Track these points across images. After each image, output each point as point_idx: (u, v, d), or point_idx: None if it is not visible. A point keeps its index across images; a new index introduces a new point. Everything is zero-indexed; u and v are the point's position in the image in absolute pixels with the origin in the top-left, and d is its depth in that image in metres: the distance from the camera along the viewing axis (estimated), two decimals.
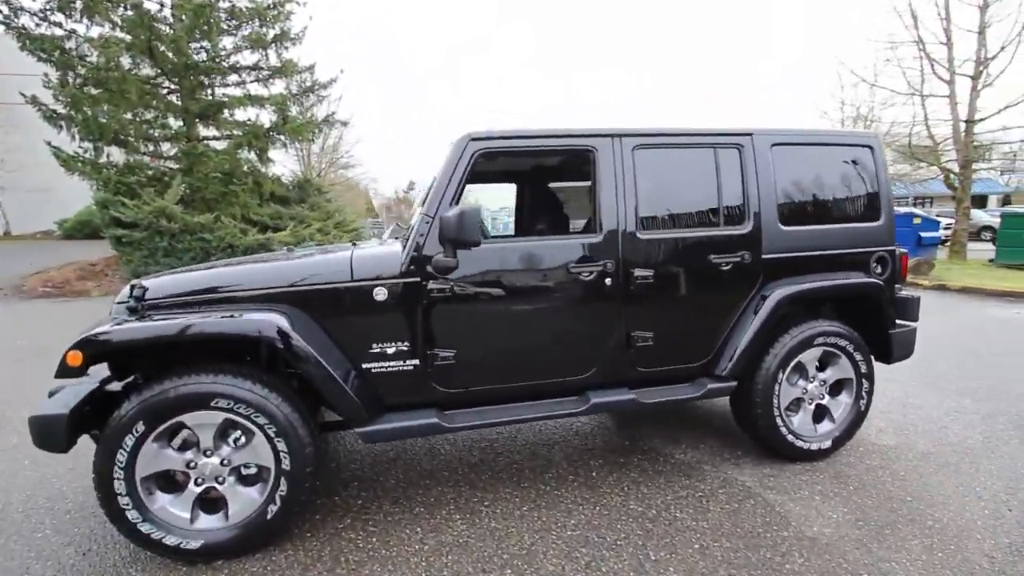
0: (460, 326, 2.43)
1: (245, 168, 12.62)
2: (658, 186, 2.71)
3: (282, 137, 12.65)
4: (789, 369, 2.89)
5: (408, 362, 2.37)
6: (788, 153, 2.93)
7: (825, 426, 3.04)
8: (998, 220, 17.99)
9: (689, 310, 2.77)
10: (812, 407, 3.02)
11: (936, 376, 4.54)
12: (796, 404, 3.00)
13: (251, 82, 13.44)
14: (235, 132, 12.55)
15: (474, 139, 2.43)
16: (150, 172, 11.81)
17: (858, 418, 3.08)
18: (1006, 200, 30.41)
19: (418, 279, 2.36)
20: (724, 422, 3.62)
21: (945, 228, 16.06)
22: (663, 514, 2.48)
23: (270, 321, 2.11)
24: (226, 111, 12.65)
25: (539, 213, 3.68)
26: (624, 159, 2.62)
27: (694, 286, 2.76)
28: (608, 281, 2.57)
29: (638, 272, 2.61)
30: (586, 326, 2.61)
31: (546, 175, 3.76)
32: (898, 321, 3.19)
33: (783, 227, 2.87)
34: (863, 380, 3.06)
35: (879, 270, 3.11)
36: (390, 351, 2.35)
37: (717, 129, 2.80)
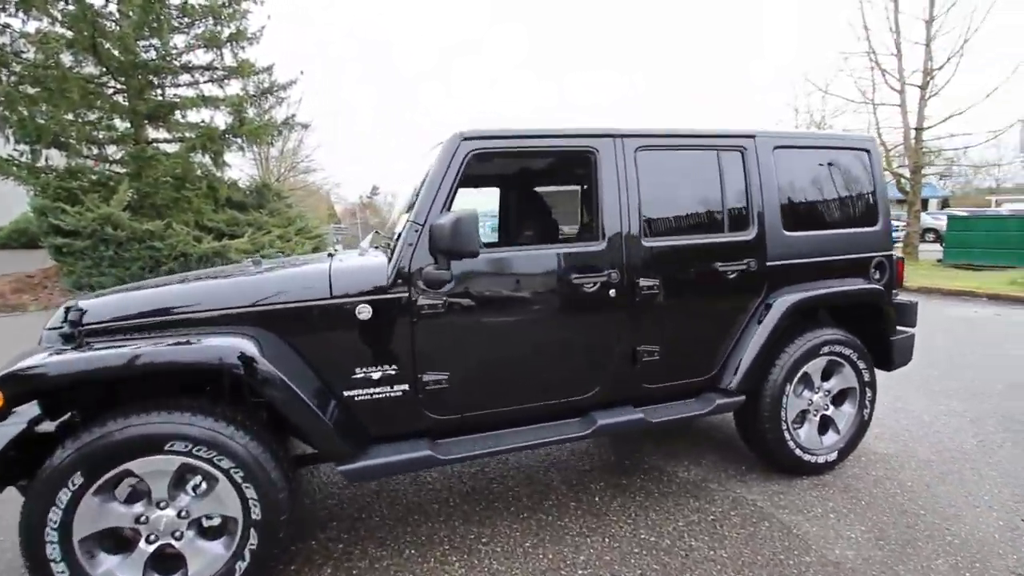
0: (455, 345, 2.18)
1: (199, 172, 11.95)
2: (661, 190, 2.53)
3: (238, 140, 12.05)
4: (796, 380, 2.76)
5: (396, 388, 2.11)
6: (789, 156, 2.81)
7: (830, 438, 2.93)
8: (939, 223, 18.88)
9: (695, 322, 2.61)
10: (817, 419, 2.91)
11: (920, 379, 4.55)
12: (801, 416, 2.87)
13: (205, 82, 12.77)
14: (188, 134, 11.88)
15: (467, 139, 2.20)
16: (94, 176, 11.02)
17: (861, 428, 2.99)
18: (944, 203, 32.07)
19: (407, 294, 2.10)
20: (723, 434, 3.48)
21: (897, 231, 16.74)
22: (677, 544, 2.29)
23: (234, 347, 1.81)
24: (178, 112, 11.98)
25: (527, 219, 3.47)
26: (627, 161, 2.43)
27: (700, 296, 2.60)
28: (612, 292, 2.37)
29: (643, 282, 2.42)
30: (589, 341, 2.41)
31: (539, 178, 3.56)
32: (898, 327, 3.12)
33: (786, 233, 2.75)
34: (866, 389, 2.96)
35: (877, 276, 3.04)
36: (376, 376, 2.08)
37: (720, 131, 2.65)
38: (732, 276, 2.61)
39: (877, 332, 3.03)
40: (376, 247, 2.64)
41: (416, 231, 2.12)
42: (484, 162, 2.31)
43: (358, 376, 2.06)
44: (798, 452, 2.80)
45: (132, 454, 1.71)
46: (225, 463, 1.78)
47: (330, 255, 2.38)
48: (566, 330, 2.36)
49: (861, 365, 2.93)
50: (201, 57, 12.32)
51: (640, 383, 2.51)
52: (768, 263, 2.69)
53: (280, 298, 2.01)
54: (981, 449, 3.23)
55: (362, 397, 2.07)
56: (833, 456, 2.89)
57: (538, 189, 3.63)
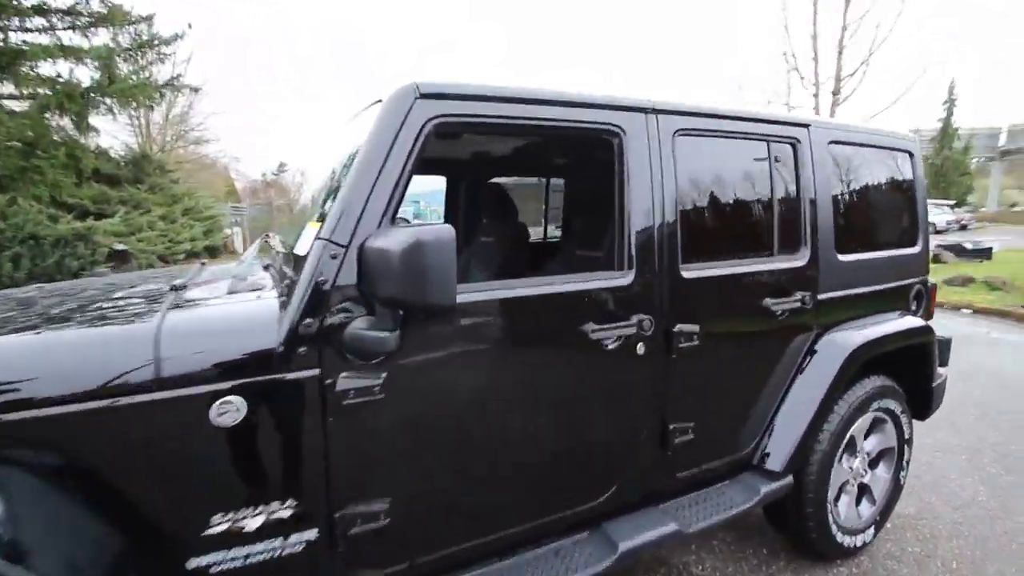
0: (401, 454, 1.28)
1: (56, 137, 9.80)
2: (703, 194, 1.76)
3: (107, 100, 9.99)
4: (843, 447, 2.14)
5: (294, 539, 1.17)
6: (842, 155, 2.15)
7: (865, 509, 2.35)
8: None
9: (738, 381, 1.89)
10: (855, 489, 2.31)
11: None
12: (839, 489, 2.26)
13: (65, 29, 10.46)
14: (41, 90, 9.67)
15: (425, 96, 1.28)
16: None
17: (896, 494, 2.44)
18: None
19: (314, 371, 1.16)
20: None
21: None
22: None
23: None
24: (27, 63, 9.68)
25: (498, 229, 2.58)
26: (663, 149, 1.62)
27: (745, 345, 1.88)
28: (641, 348, 1.57)
29: (682, 329, 1.64)
30: (606, 422, 1.60)
31: (524, 167, 2.67)
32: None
33: (839, 256, 2.10)
34: (904, 448, 2.41)
35: (915, 306, 2.49)
36: (254, 524, 1.13)
37: (771, 114, 1.93)
38: (782, 316, 1.91)
39: (919, 376, 2.48)
40: (267, 268, 1.65)
41: (336, 258, 1.18)
42: (448, 139, 1.41)
43: (218, 529, 1.10)
44: (840, 536, 2.18)
45: None
46: None
47: (175, 288, 1.34)
48: (574, 410, 1.53)
49: (903, 420, 2.36)
50: None
51: (672, 472, 1.74)
52: (819, 295, 2.02)
53: (38, 392, 0.99)
54: (996, 498, 2.83)
55: (226, 567, 1.11)
56: (871, 534, 2.32)
57: (500, 180, 2.77)
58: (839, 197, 2.12)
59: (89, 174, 10.37)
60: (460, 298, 1.20)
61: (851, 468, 2.25)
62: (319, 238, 1.19)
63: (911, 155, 2.48)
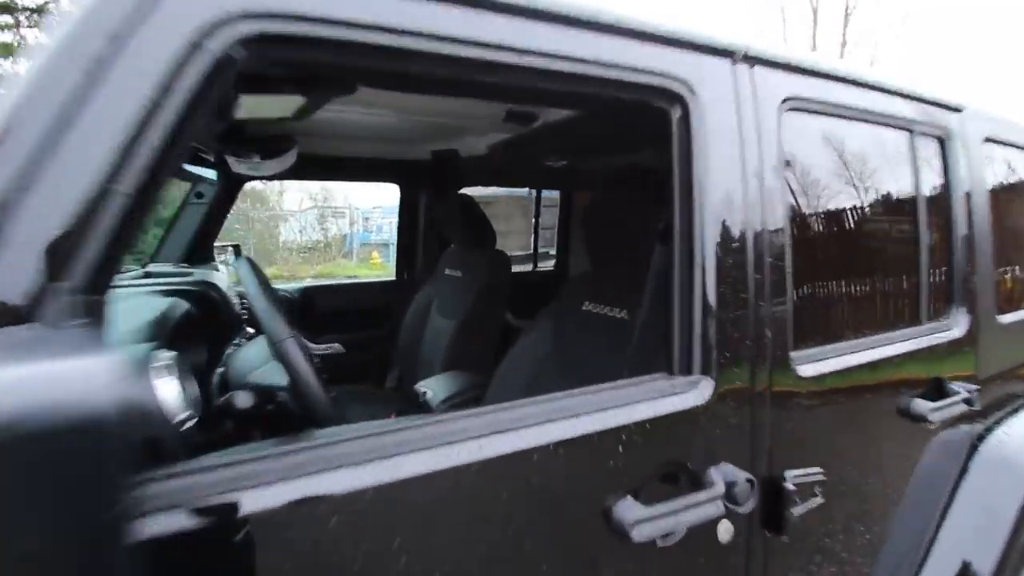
0: None
1: None
2: (821, 222, 0.98)
3: None
4: None
5: None
6: (1001, 160, 1.39)
7: None
8: None
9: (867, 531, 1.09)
10: None
11: None
12: None
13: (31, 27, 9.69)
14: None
15: None
16: None
17: None
18: None
19: None
20: None
21: None
22: None
23: None
24: None
25: (463, 255, 1.80)
26: (763, 130, 0.84)
27: (879, 482, 1.09)
28: (727, 534, 0.77)
29: (794, 481, 0.85)
30: None
31: (499, 166, 1.92)
32: None
33: (998, 318, 1.32)
34: None
35: None
36: None
37: (914, 89, 1.15)
38: (934, 426, 1.12)
39: None
40: None
41: None
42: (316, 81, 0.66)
43: None
44: None
45: None
46: None
47: None
48: None
49: None
50: None
51: None
52: (981, 382, 1.24)
53: None
54: None
55: None
56: None
57: (471, 192, 1.99)
58: (994, 228, 1.36)
59: None
60: None
61: None
62: None
63: None
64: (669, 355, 0.79)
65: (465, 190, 2.05)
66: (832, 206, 1.00)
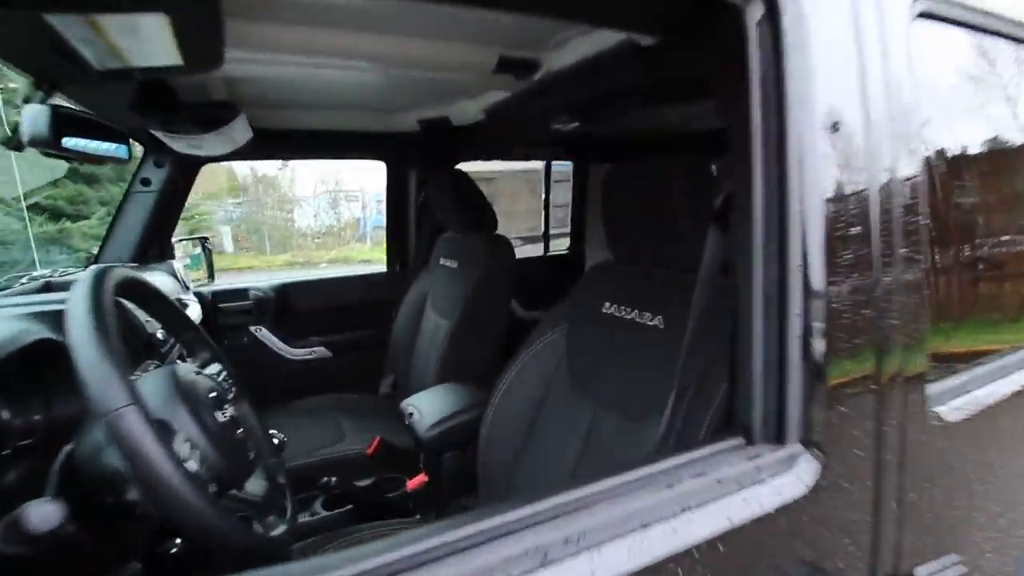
0: None
1: None
2: (966, 184, 0.66)
3: None
4: None
5: None
6: None
7: None
8: None
9: None
10: None
11: None
12: None
13: None
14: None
15: None
16: None
17: None
18: None
19: None
20: None
21: None
22: None
23: None
24: None
25: (458, 242, 1.53)
26: (890, 46, 0.52)
27: None
28: None
29: None
30: None
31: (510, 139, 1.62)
32: None
33: None
34: None
35: None
36: None
37: None
38: None
39: None
40: None
41: None
42: None
43: None
44: None
45: None
46: None
47: None
48: None
49: None
50: None
51: None
52: None
53: None
54: None
55: None
56: None
57: (468, 167, 1.69)
58: None
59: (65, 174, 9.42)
60: None
61: None
62: None
63: None
64: (744, 409, 0.49)
65: (460, 166, 1.76)
66: (978, 161, 0.68)
